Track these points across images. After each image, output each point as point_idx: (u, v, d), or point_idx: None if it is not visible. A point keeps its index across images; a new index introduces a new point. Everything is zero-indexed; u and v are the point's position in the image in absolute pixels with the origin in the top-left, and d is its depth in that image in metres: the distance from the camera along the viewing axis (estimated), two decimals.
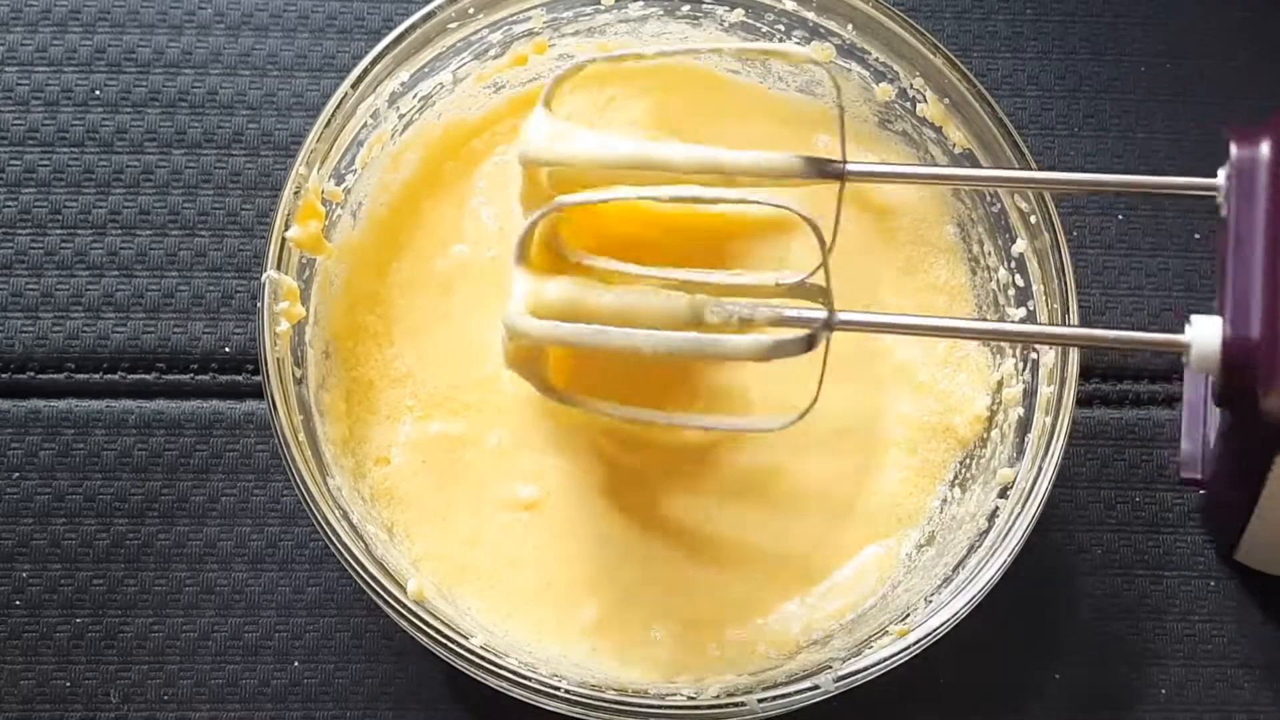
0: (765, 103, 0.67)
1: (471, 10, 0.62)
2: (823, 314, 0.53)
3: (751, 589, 0.62)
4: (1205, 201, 0.70)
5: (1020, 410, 0.61)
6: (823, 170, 0.54)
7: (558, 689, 0.55)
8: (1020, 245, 0.61)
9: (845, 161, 0.52)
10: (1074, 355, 0.59)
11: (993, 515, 0.59)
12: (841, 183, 0.53)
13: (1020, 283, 0.62)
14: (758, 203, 0.56)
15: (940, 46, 0.62)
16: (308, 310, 0.60)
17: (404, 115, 0.64)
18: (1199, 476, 0.66)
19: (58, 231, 0.69)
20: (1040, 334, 0.59)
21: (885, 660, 0.56)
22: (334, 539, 0.56)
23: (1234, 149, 0.52)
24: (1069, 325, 0.59)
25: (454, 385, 0.63)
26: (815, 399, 0.54)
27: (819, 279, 0.54)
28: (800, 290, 0.55)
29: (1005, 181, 0.55)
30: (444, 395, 0.63)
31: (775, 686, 0.56)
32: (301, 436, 0.58)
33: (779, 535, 0.62)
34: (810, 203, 0.65)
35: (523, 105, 0.66)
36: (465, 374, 0.63)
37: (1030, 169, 0.60)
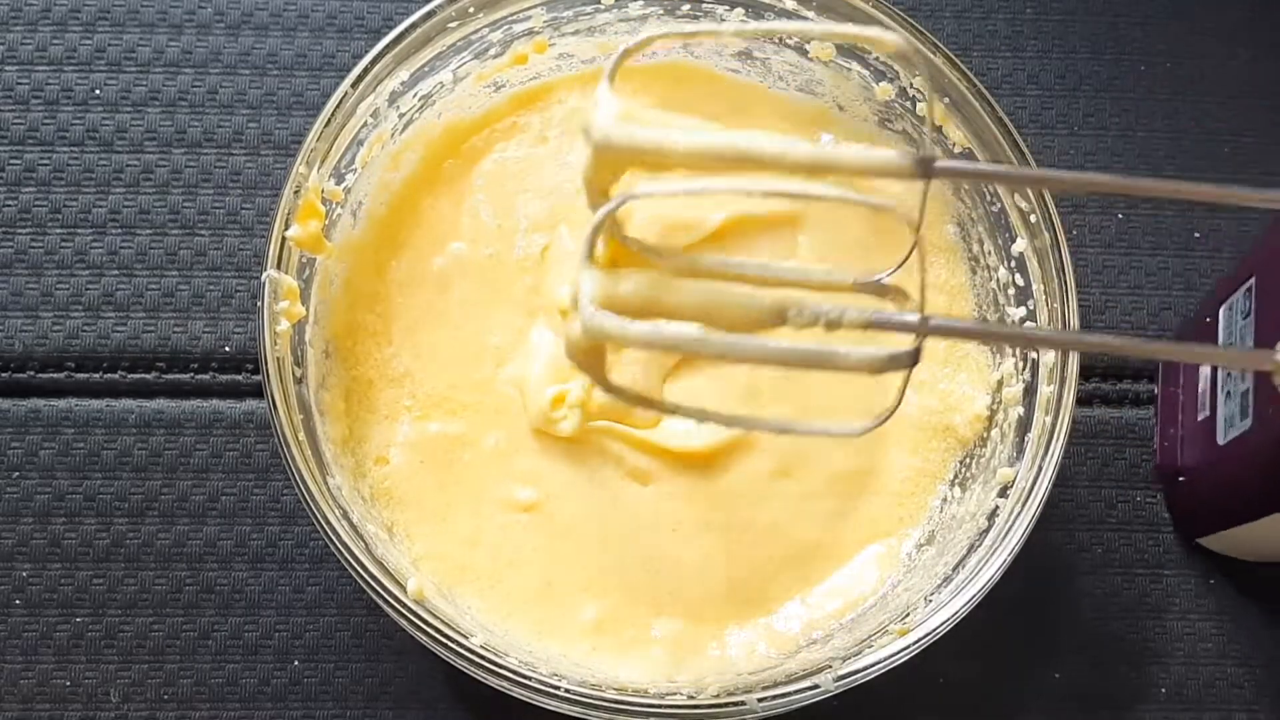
0: (766, 101, 0.67)
1: (471, 9, 0.62)
2: (914, 317, 0.48)
3: (753, 589, 0.62)
4: (1205, 200, 0.71)
5: (1020, 409, 0.61)
6: (925, 169, 0.50)
7: (558, 688, 0.55)
8: (1020, 244, 0.61)
9: (934, 159, 0.49)
10: (1074, 354, 0.59)
11: (993, 514, 0.59)
12: (927, 181, 0.50)
13: (1020, 282, 0.62)
14: (854, 200, 0.51)
15: (940, 45, 0.62)
16: (308, 309, 0.60)
17: (404, 114, 0.63)
18: (1178, 465, 0.66)
19: (57, 231, 0.69)
20: (1126, 347, 0.56)
21: (885, 659, 0.56)
22: (334, 538, 0.56)
23: None
24: (1164, 340, 0.57)
25: (451, 385, 0.63)
26: (897, 404, 0.50)
27: (895, 279, 0.51)
28: (872, 289, 0.51)
29: (1100, 187, 0.52)
30: (441, 395, 0.63)
31: (775, 686, 0.56)
32: (301, 436, 0.58)
33: (780, 536, 0.62)
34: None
35: (523, 103, 0.66)
36: (462, 374, 0.63)
37: (1031, 168, 0.60)
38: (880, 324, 0.48)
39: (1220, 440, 0.61)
